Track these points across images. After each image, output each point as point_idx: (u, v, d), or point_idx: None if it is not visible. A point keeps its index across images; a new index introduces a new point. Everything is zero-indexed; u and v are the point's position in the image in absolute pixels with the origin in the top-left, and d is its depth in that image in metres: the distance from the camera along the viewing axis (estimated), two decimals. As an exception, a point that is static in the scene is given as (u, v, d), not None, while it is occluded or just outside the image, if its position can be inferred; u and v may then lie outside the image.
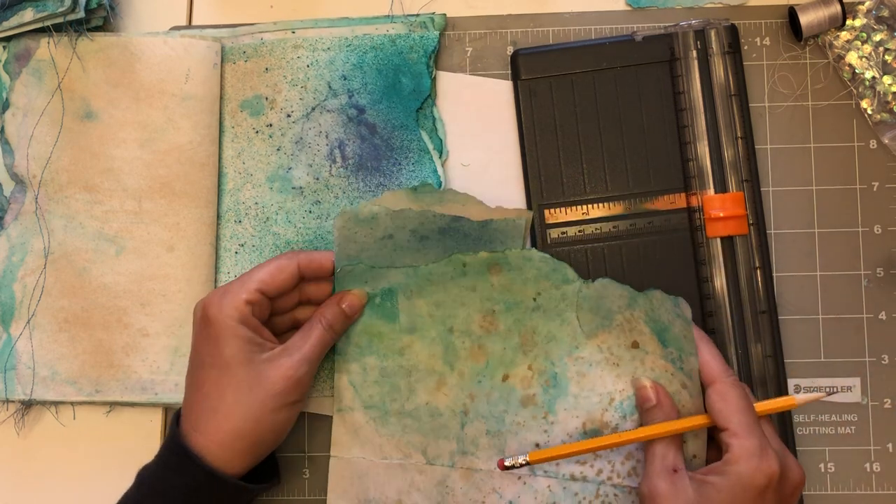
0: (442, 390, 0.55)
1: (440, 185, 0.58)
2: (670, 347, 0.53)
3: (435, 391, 0.55)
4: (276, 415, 0.51)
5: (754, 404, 0.51)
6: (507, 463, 0.52)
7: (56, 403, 0.59)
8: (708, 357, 0.52)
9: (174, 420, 0.53)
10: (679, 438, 0.51)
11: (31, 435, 0.59)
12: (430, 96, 0.59)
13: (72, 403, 0.59)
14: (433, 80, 0.59)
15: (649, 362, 0.54)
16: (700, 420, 0.51)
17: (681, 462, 0.50)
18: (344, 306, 0.55)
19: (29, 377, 0.58)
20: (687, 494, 0.48)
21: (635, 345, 0.54)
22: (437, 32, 0.59)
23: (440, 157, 0.59)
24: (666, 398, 0.52)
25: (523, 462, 0.52)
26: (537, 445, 0.54)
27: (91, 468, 0.59)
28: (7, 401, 0.58)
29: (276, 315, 0.55)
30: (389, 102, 0.59)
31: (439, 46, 0.60)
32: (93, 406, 0.59)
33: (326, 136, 0.59)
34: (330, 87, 0.59)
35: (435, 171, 0.59)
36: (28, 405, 0.58)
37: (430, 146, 0.59)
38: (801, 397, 0.52)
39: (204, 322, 0.51)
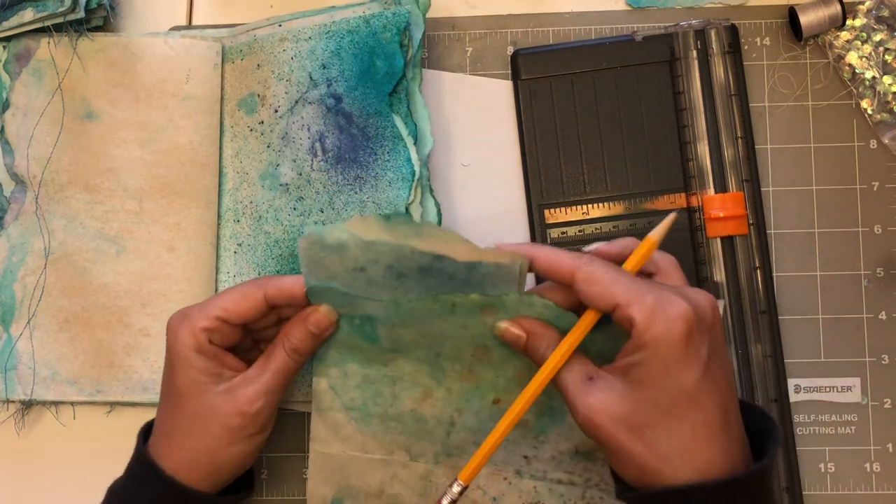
0: (428, 401, 0.51)
1: (413, 176, 0.55)
2: None
3: (421, 401, 0.51)
4: (232, 448, 0.48)
5: (621, 266, 0.45)
6: (444, 502, 0.46)
7: (56, 403, 0.59)
8: (550, 256, 0.45)
9: (141, 434, 0.51)
10: (578, 351, 0.45)
11: (31, 435, 0.59)
12: (403, 77, 0.56)
13: (72, 403, 0.59)
14: (410, 61, 0.56)
15: None
16: (589, 318, 0.45)
17: (592, 368, 0.44)
18: (310, 326, 0.49)
19: (29, 377, 0.58)
20: (617, 391, 0.42)
21: None
22: (408, 8, 0.56)
23: (415, 143, 0.55)
24: (532, 324, 0.46)
25: (458, 490, 0.45)
26: (525, 457, 0.52)
27: (91, 468, 0.59)
28: (7, 401, 0.58)
29: (255, 333, 0.52)
30: (364, 88, 0.56)
31: (429, 34, 0.57)
32: (93, 406, 0.59)
33: (308, 130, 0.57)
34: (311, 77, 0.57)
35: (409, 159, 0.55)
36: (28, 405, 0.58)
37: (405, 132, 0.56)
38: (655, 232, 0.45)
39: (166, 345, 0.49)
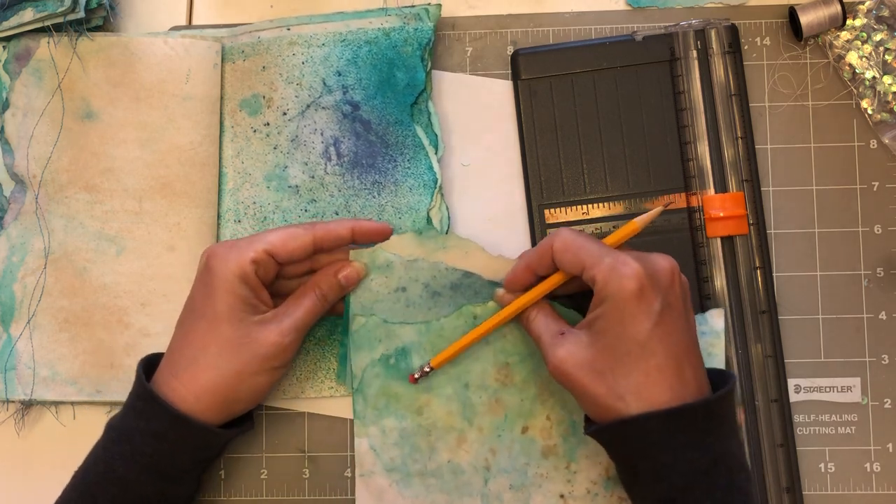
0: (463, 447, 0.55)
1: (436, 182, 0.58)
2: None
3: (456, 448, 0.55)
4: (257, 377, 0.51)
5: (602, 240, 0.51)
6: (416, 376, 0.54)
7: (56, 403, 0.59)
8: (530, 253, 0.52)
9: (140, 368, 0.52)
10: (553, 311, 0.52)
11: (31, 435, 0.59)
12: (424, 90, 0.58)
13: (72, 403, 0.59)
14: (428, 73, 0.58)
15: None
16: (557, 277, 0.51)
17: (564, 324, 0.51)
18: (340, 277, 0.54)
19: (29, 377, 0.58)
20: (583, 341, 0.48)
21: None
22: (431, 24, 0.58)
23: (436, 152, 0.58)
24: (517, 277, 0.52)
25: (427, 370, 0.54)
26: (562, 496, 0.54)
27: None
28: (7, 401, 0.58)
29: (282, 279, 0.55)
30: (384, 98, 0.58)
31: (435, 40, 0.59)
32: (93, 406, 0.59)
33: (321, 134, 0.59)
34: (325, 83, 0.59)
35: (430, 167, 0.58)
36: (28, 405, 0.58)
37: (426, 141, 0.58)
38: (641, 218, 0.52)
39: (206, 271, 0.51)
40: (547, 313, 0.52)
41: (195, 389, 0.50)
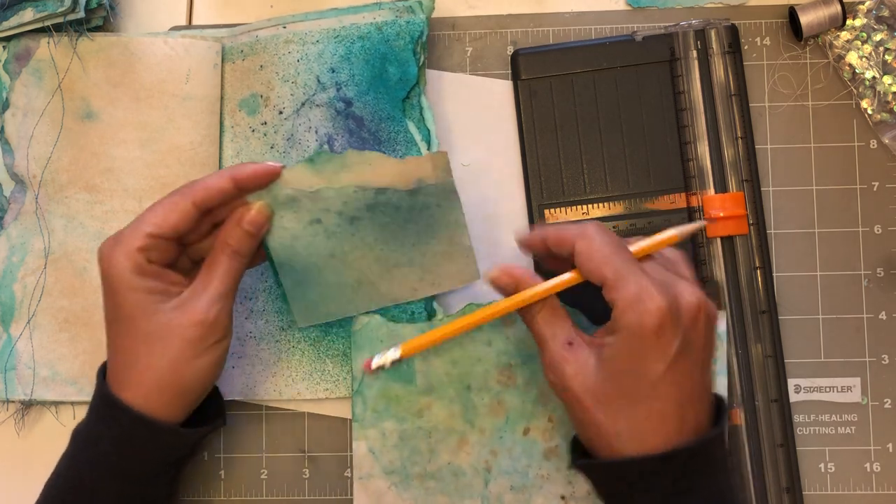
0: (464, 449, 0.55)
1: None
2: None
3: (457, 450, 0.55)
4: (197, 360, 0.48)
5: (632, 248, 0.47)
6: (374, 363, 0.49)
7: (56, 403, 0.59)
8: (555, 231, 0.47)
9: (99, 373, 0.50)
10: (563, 312, 0.48)
11: (31, 435, 0.59)
12: (417, 84, 0.57)
13: (72, 403, 0.59)
14: (421, 68, 0.58)
15: None
16: (573, 277, 0.47)
17: (573, 333, 0.47)
18: (245, 224, 0.49)
19: (29, 377, 0.58)
20: (590, 364, 0.45)
21: None
22: (424, 17, 0.57)
23: (429, 147, 0.57)
24: (522, 272, 0.48)
25: (394, 358, 0.49)
26: (563, 498, 0.54)
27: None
28: (7, 401, 0.58)
29: (192, 245, 0.51)
30: (376, 93, 0.57)
31: (435, 39, 0.59)
32: (93, 406, 0.59)
33: (316, 132, 0.58)
34: (319, 80, 0.58)
35: None
36: (28, 405, 0.58)
37: (418, 137, 0.57)
38: (682, 228, 0.48)
39: (101, 275, 0.48)
40: (555, 313, 0.48)
41: (143, 393, 0.47)
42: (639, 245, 0.47)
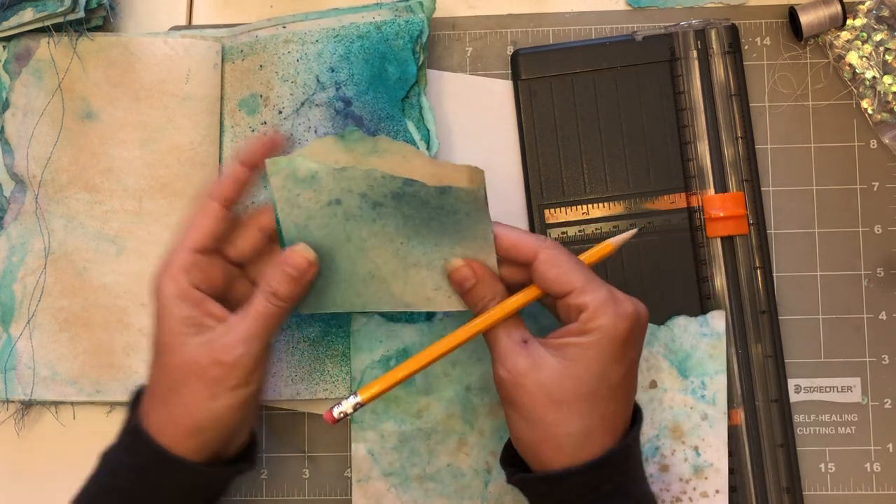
0: (463, 450, 0.54)
1: None
2: (691, 377, 0.54)
3: (456, 451, 0.54)
4: (212, 402, 0.45)
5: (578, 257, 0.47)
6: (335, 413, 0.46)
7: (56, 403, 0.59)
8: (514, 235, 0.47)
9: (132, 396, 0.49)
10: (516, 315, 0.47)
11: (31, 435, 0.59)
12: (416, 84, 0.57)
13: (72, 403, 0.59)
14: (420, 67, 0.57)
15: (667, 400, 0.54)
16: (534, 292, 0.47)
17: (527, 333, 0.46)
18: (287, 269, 0.47)
19: (29, 377, 0.58)
20: (548, 362, 0.44)
21: (653, 384, 0.55)
22: (422, 16, 0.57)
23: (428, 147, 0.57)
24: (485, 271, 0.47)
25: (355, 404, 0.46)
26: None
27: (91, 468, 0.59)
28: (7, 401, 0.58)
29: (238, 278, 0.50)
30: (375, 93, 0.57)
31: (435, 39, 0.59)
32: (93, 406, 0.59)
33: (315, 132, 0.58)
34: (318, 80, 0.58)
35: None
36: (28, 405, 0.58)
37: (417, 136, 0.57)
38: (616, 239, 0.48)
39: (153, 300, 0.47)
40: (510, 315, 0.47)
41: (160, 423, 0.46)
42: (584, 256, 0.48)
